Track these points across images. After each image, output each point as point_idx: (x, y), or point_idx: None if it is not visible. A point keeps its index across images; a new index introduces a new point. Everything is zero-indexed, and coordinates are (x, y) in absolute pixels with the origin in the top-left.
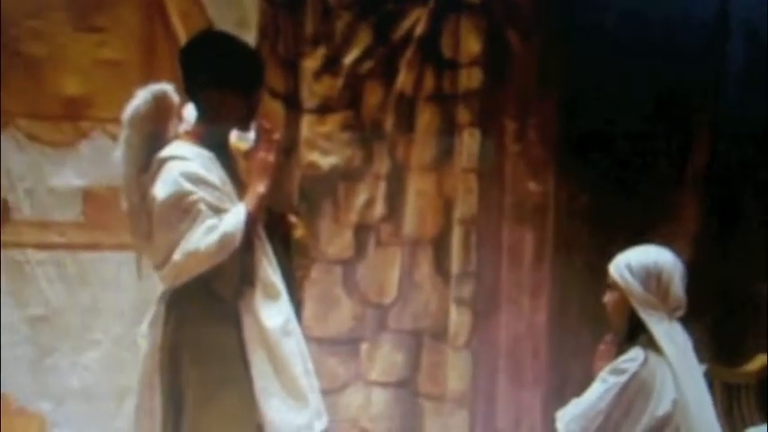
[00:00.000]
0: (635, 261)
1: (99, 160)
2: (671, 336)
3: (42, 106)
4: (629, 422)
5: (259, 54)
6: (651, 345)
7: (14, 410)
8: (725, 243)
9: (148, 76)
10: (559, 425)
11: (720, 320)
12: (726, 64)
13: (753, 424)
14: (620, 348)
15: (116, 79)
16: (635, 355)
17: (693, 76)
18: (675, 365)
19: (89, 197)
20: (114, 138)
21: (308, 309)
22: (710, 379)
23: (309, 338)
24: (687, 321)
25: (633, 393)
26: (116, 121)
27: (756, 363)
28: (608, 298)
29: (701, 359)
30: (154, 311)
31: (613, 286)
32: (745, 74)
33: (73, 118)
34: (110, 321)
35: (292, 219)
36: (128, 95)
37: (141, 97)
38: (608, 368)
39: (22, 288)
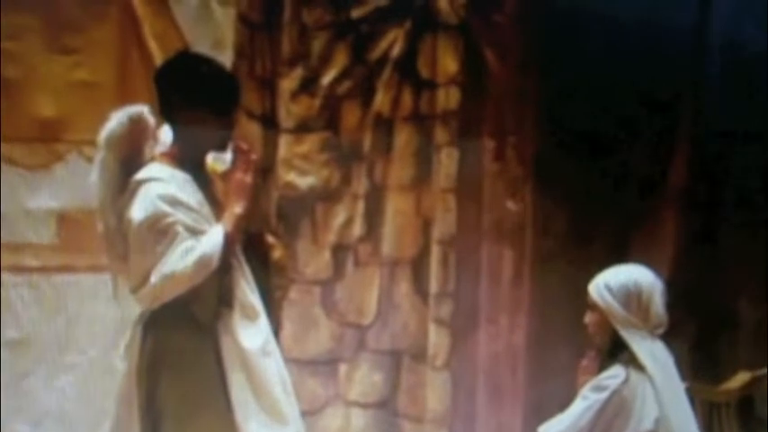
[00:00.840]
0: (614, 282)
1: (74, 183)
2: (653, 354)
3: (17, 128)
4: None
5: (234, 75)
6: (633, 362)
7: None
8: (705, 260)
9: (124, 98)
10: None
11: (701, 338)
12: (705, 74)
13: None
14: (602, 366)
15: (91, 101)
16: (616, 372)
17: (672, 89)
18: (658, 383)
19: (64, 219)
20: (90, 160)
21: (287, 330)
22: (692, 397)
23: (288, 360)
24: (668, 339)
25: (613, 411)
26: (92, 143)
27: (737, 380)
28: (589, 318)
29: (682, 377)
30: (131, 333)
31: (594, 307)
32: (725, 83)
33: (48, 140)
34: (86, 344)
35: (270, 239)
36: (103, 117)
37: (116, 119)
38: (589, 385)
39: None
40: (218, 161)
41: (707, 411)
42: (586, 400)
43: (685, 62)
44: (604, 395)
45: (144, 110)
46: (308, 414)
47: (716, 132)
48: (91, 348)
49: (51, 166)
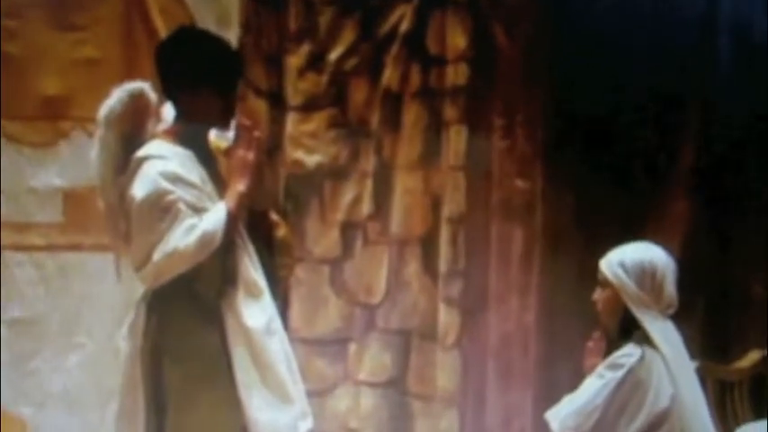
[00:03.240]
0: (629, 259)
1: (79, 160)
2: (665, 334)
3: (21, 106)
4: (626, 419)
5: (237, 51)
6: (646, 340)
7: None
8: (716, 239)
9: (129, 75)
10: (554, 423)
11: (712, 317)
12: (715, 59)
13: (745, 421)
14: (611, 346)
15: (96, 78)
16: (631, 350)
17: (682, 71)
18: (671, 361)
19: (69, 198)
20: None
21: (296, 309)
22: (703, 376)
23: (297, 339)
24: (679, 318)
25: (629, 389)
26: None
27: (748, 359)
28: (599, 296)
29: (693, 356)
30: (134, 313)
31: (605, 284)
32: (735, 68)
33: (52, 118)
34: (93, 324)
35: (274, 217)
36: (108, 94)
37: (117, 96)
38: (604, 364)
39: (3, 291)
40: (221, 138)
41: (718, 390)
42: (602, 379)
43: (697, 45)
44: (620, 373)
45: (145, 86)
46: (317, 394)
47: (727, 114)
48: (97, 329)
49: (56, 144)
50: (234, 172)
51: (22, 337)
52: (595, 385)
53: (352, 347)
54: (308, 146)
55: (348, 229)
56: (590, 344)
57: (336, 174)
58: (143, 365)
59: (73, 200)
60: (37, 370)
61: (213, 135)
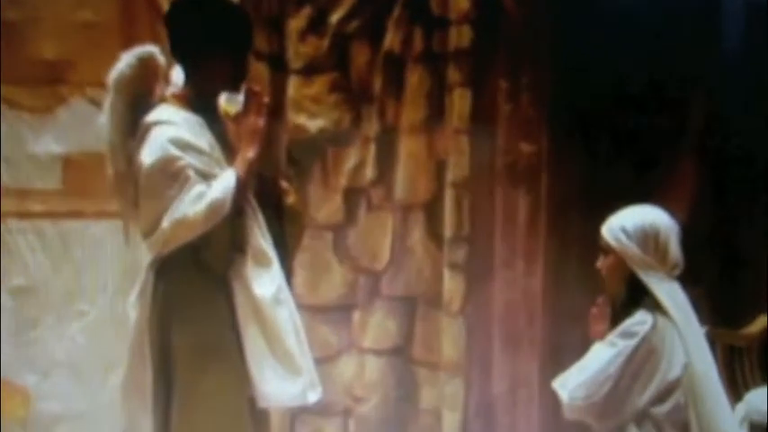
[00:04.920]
0: (630, 223)
1: (78, 126)
2: (673, 296)
3: (20, 71)
4: (638, 388)
5: (247, 14)
6: (657, 308)
7: (1, 385)
8: (722, 205)
9: (127, 38)
10: (562, 392)
11: (720, 283)
12: (723, 33)
13: (755, 386)
14: (620, 313)
15: (95, 42)
16: (643, 318)
17: (691, 43)
18: (681, 327)
19: (69, 164)
20: (94, 102)
21: (299, 276)
22: (712, 341)
23: (301, 306)
24: (686, 285)
25: (643, 358)
26: (95, 84)
27: (757, 325)
28: (602, 263)
29: (702, 322)
30: (142, 281)
31: (608, 250)
32: (743, 44)
33: (51, 82)
34: (95, 291)
35: (284, 184)
36: (106, 58)
37: (125, 60)
38: (616, 332)
39: (4, 259)
40: (230, 103)
41: (727, 356)
42: (615, 347)
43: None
44: (634, 342)
45: (154, 50)
46: (322, 361)
47: (736, 85)
48: (99, 296)
49: (55, 110)
50: (243, 138)
51: (25, 306)
52: (608, 354)
53: (357, 315)
54: (311, 110)
55: (351, 194)
56: (594, 310)
57: (339, 138)
58: (151, 334)
59: (73, 166)
60: (40, 338)
61: (223, 99)
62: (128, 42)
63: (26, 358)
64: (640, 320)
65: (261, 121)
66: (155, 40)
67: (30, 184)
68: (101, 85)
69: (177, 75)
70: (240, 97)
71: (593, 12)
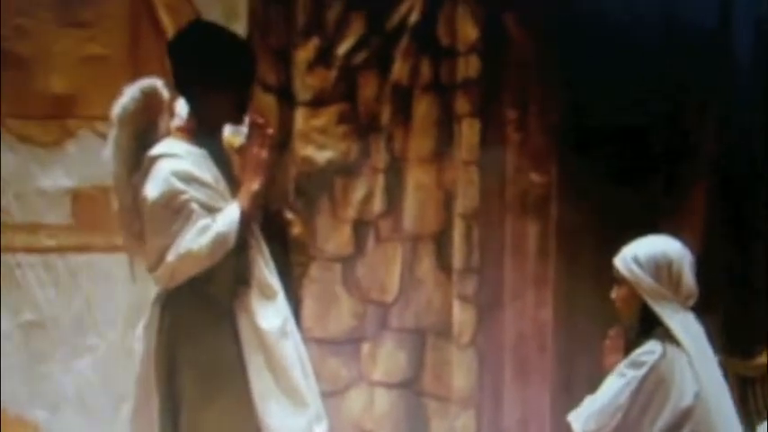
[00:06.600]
0: (642, 253)
1: (87, 159)
2: (686, 326)
3: (29, 105)
4: (649, 418)
5: (251, 46)
6: (668, 337)
7: (11, 420)
8: (735, 233)
9: (135, 72)
10: (575, 425)
11: (733, 312)
12: (732, 53)
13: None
14: (633, 343)
15: (103, 75)
16: (652, 347)
17: (700, 65)
18: (694, 357)
19: (78, 198)
20: (102, 136)
21: (308, 308)
22: (725, 371)
23: (310, 339)
24: (699, 314)
25: (652, 387)
26: (104, 118)
27: None
28: (616, 293)
29: (715, 351)
30: (148, 314)
31: (621, 281)
32: (753, 63)
33: (60, 116)
34: (104, 325)
35: (289, 216)
36: (115, 92)
37: (129, 94)
38: (626, 362)
39: (14, 293)
40: (235, 134)
41: (739, 386)
42: (623, 377)
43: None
44: (642, 371)
45: (157, 83)
46: (331, 395)
47: (746, 106)
48: (109, 330)
49: (64, 144)
50: (247, 170)
51: (35, 340)
52: (617, 384)
53: (366, 347)
54: (318, 142)
55: (360, 226)
56: (607, 342)
57: (347, 170)
58: (157, 367)
59: (81, 200)
60: (49, 373)
61: (227, 131)
62: (137, 76)
63: (36, 393)
64: (649, 350)
65: (265, 153)
66: (164, 73)
67: (39, 218)
68: (110, 118)
69: (182, 107)
70: (244, 129)
71: (601, 39)
